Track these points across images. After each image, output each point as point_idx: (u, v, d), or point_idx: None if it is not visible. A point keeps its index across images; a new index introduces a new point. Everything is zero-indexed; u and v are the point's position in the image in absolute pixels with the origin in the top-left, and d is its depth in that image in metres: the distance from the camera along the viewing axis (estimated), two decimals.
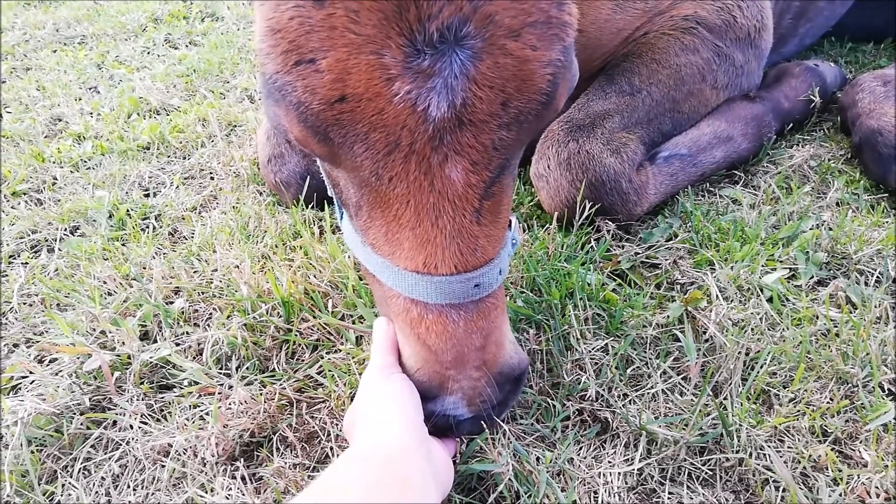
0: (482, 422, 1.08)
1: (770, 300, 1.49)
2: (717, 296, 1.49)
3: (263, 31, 0.85)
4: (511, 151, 0.94)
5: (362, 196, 0.97)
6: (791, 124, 2.11)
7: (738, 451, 1.18)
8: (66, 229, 1.98)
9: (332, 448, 1.26)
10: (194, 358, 1.46)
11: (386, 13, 0.78)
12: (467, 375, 1.02)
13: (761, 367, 1.32)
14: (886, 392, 1.29)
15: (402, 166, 0.89)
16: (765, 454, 1.18)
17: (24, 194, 2.20)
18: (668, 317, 1.46)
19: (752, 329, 1.42)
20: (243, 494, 1.19)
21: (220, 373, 1.42)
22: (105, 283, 1.69)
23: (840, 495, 1.12)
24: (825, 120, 2.24)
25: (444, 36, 0.80)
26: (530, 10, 0.83)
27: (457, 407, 1.03)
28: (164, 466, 1.25)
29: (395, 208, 0.94)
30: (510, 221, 1.09)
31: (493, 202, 0.97)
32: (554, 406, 1.29)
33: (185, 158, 2.37)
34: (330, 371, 1.38)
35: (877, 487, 1.11)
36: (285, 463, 1.24)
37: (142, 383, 1.41)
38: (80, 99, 2.96)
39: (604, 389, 1.31)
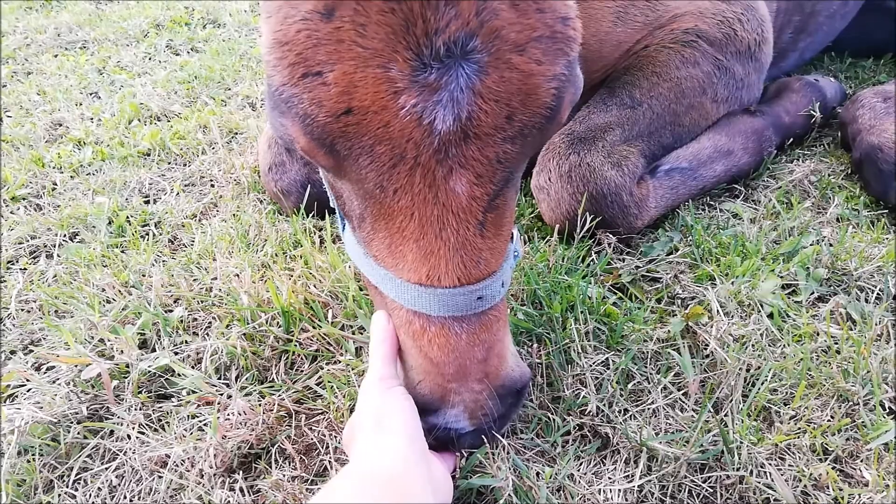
0: (483, 435, 1.07)
1: (771, 316, 1.49)
2: (717, 311, 1.49)
3: (270, 43, 0.85)
4: (515, 164, 0.94)
5: (366, 208, 0.97)
6: (791, 139, 2.11)
7: (738, 469, 1.18)
8: (65, 235, 1.98)
9: (330, 461, 1.25)
10: (193, 367, 1.45)
11: (393, 27, 0.78)
12: (469, 388, 1.01)
13: (762, 383, 1.32)
14: (887, 410, 1.28)
15: (407, 179, 0.89)
16: (766, 472, 1.17)
17: (24, 199, 2.19)
18: (669, 332, 1.46)
19: (753, 345, 1.42)
20: None
21: (220, 382, 1.41)
22: (104, 290, 1.68)
23: None
24: (825, 135, 2.25)
25: (451, 50, 0.80)
26: (535, 24, 0.84)
27: (458, 420, 1.03)
28: (161, 477, 1.24)
29: (398, 220, 0.93)
30: (512, 234, 1.09)
31: (497, 215, 0.97)
32: (554, 421, 1.29)
33: (185, 165, 2.37)
34: (329, 382, 1.37)
35: None
36: (284, 475, 1.23)
37: (140, 393, 1.41)
38: (80, 104, 2.96)
39: (604, 404, 1.31)
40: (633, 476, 1.19)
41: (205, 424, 1.32)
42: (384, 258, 0.99)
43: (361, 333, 1.49)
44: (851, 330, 1.44)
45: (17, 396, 1.42)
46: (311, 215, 1.90)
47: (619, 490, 1.16)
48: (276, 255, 1.76)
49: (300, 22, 0.81)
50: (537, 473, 1.19)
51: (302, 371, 1.45)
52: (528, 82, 0.85)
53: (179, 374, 1.42)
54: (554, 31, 0.86)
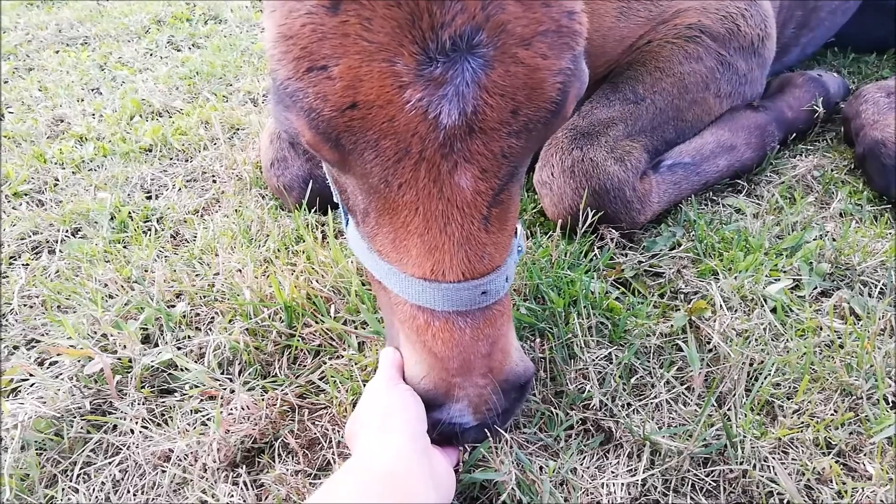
0: (486, 430, 1.07)
1: (774, 311, 1.49)
2: (721, 306, 1.49)
3: (275, 37, 0.85)
4: (520, 159, 0.94)
5: (370, 202, 0.97)
6: (794, 134, 2.11)
7: (741, 463, 1.18)
8: (67, 231, 1.98)
9: (333, 455, 1.26)
10: (196, 362, 1.45)
11: (399, 21, 0.78)
12: (473, 383, 1.01)
13: (765, 378, 1.32)
14: (891, 405, 1.28)
15: (412, 173, 0.88)
16: (769, 466, 1.18)
17: (26, 195, 2.19)
18: (672, 326, 1.46)
19: (756, 339, 1.42)
20: (245, 501, 1.18)
21: (223, 376, 1.41)
22: (106, 285, 1.68)
23: None
24: (828, 130, 2.24)
25: (457, 44, 0.80)
26: (541, 19, 0.83)
27: (462, 415, 1.03)
28: (164, 472, 1.24)
29: (403, 215, 0.93)
30: (516, 229, 1.09)
31: (501, 209, 0.97)
32: (557, 415, 1.29)
33: (187, 161, 2.37)
34: (332, 377, 1.37)
35: (881, 501, 1.11)
36: (287, 470, 1.23)
37: (143, 387, 1.41)
38: (82, 100, 2.96)
39: (607, 398, 1.31)
40: (636, 470, 1.19)
41: (208, 419, 1.33)
42: (388, 253, 0.99)
43: (364, 328, 1.49)
44: (855, 324, 1.44)
45: (20, 391, 1.42)
46: (313, 211, 1.90)
47: (623, 484, 1.17)
48: (279, 250, 1.76)
49: (305, 16, 0.81)
50: (540, 467, 1.19)
51: (305, 366, 1.45)
52: (534, 77, 0.85)
53: (182, 369, 1.42)
54: (560, 25, 0.85)
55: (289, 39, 0.83)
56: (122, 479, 1.25)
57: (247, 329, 1.49)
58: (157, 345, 1.51)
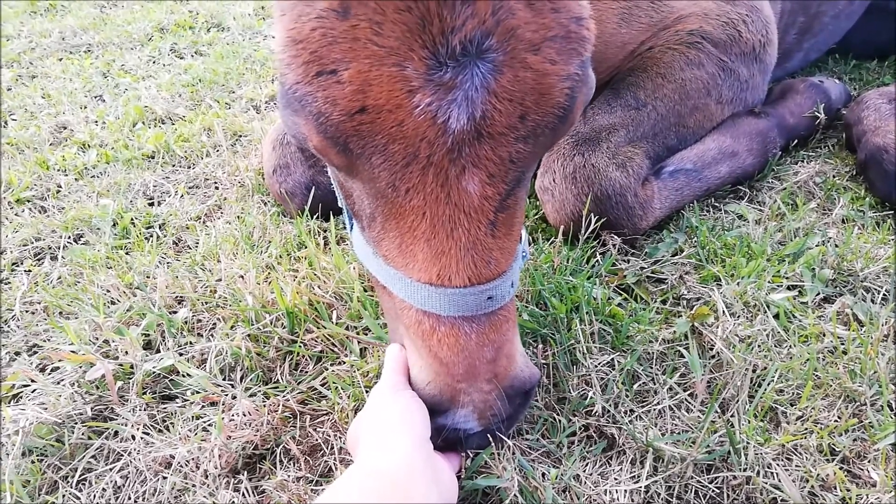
0: (490, 436, 1.07)
1: (777, 317, 1.48)
2: (723, 312, 1.48)
3: (284, 41, 0.85)
4: (527, 164, 0.94)
5: (377, 207, 0.97)
6: (796, 140, 2.11)
7: (745, 470, 1.17)
8: (69, 237, 1.98)
9: (335, 461, 1.25)
10: (198, 368, 1.45)
11: (409, 26, 0.78)
12: (478, 388, 1.01)
13: (768, 384, 1.31)
14: (894, 411, 1.28)
15: (420, 178, 0.89)
16: (773, 473, 1.17)
17: (28, 202, 2.19)
18: (675, 332, 1.46)
19: (759, 346, 1.41)
20: None
21: (224, 382, 1.41)
22: (108, 291, 1.68)
23: None
24: (830, 136, 2.24)
25: (467, 49, 0.80)
26: (550, 24, 0.83)
27: (467, 420, 1.02)
28: (166, 478, 1.23)
29: (410, 220, 0.93)
30: (521, 234, 1.09)
31: (508, 214, 0.97)
32: (560, 421, 1.29)
33: (189, 168, 2.37)
34: (334, 383, 1.37)
35: None
36: (288, 476, 1.22)
37: (144, 393, 1.40)
38: (85, 107, 2.96)
39: (610, 405, 1.30)
40: (639, 476, 1.18)
41: (209, 425, 1.32)
42: (394, 258, 0.99)
43: (366, 334, 1.48)
44: (858, 330, 1.44)
45: (21, 397, 1.42)
46: (315, 217, 1.90)
47: (625, 490, 1.16)
48: (281, 256, 1.76)
49: (315, 20, 0.81)
50: (543, 474, 1.19)
51: (306, 372, 1.45)
52: (542, 82, 0.85)
53: (184, 375, 1.42)
54: (568, 30, 0.86)
55: (298, 44, 0.83)
56: (124, 485, 1.25)
57: (248, 335, 1.49)
58: (158, 351, 1.51)
